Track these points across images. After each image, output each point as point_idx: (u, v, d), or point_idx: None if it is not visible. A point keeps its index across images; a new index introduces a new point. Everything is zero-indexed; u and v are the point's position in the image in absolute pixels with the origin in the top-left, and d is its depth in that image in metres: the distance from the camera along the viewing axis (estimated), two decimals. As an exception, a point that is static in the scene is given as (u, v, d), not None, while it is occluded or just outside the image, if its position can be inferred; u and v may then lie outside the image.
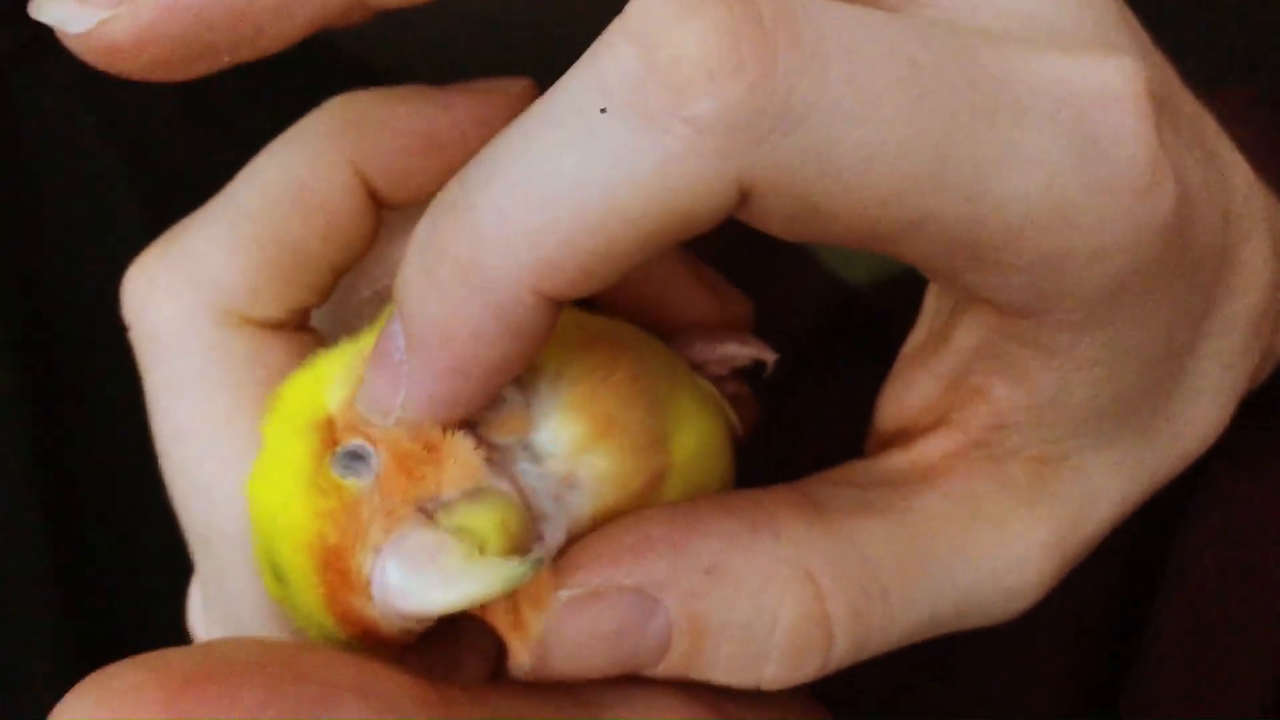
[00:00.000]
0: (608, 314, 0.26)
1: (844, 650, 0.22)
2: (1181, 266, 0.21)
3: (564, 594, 0.21)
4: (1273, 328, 0.27)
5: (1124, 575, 0.34)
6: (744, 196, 0.18)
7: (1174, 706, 0.31)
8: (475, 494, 0.21)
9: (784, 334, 0.39)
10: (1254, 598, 0.32)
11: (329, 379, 0.22)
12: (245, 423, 0.22)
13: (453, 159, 0.23)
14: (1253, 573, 0.33)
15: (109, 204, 0.39)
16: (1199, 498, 0.34)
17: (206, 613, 0.24)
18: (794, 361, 0.38)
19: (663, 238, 0.18)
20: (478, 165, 0.19)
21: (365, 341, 0.22)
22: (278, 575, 0.22)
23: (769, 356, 0.26)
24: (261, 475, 0.22)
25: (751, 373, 0.27)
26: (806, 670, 0.22)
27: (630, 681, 0.23)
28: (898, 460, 0.24)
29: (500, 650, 0.25)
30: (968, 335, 0.22)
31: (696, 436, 0.24)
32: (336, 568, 0.21)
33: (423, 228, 0.19)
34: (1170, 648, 0.32)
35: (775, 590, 0.21)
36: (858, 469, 0.24)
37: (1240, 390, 0.25)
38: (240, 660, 0.19)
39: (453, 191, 0.19)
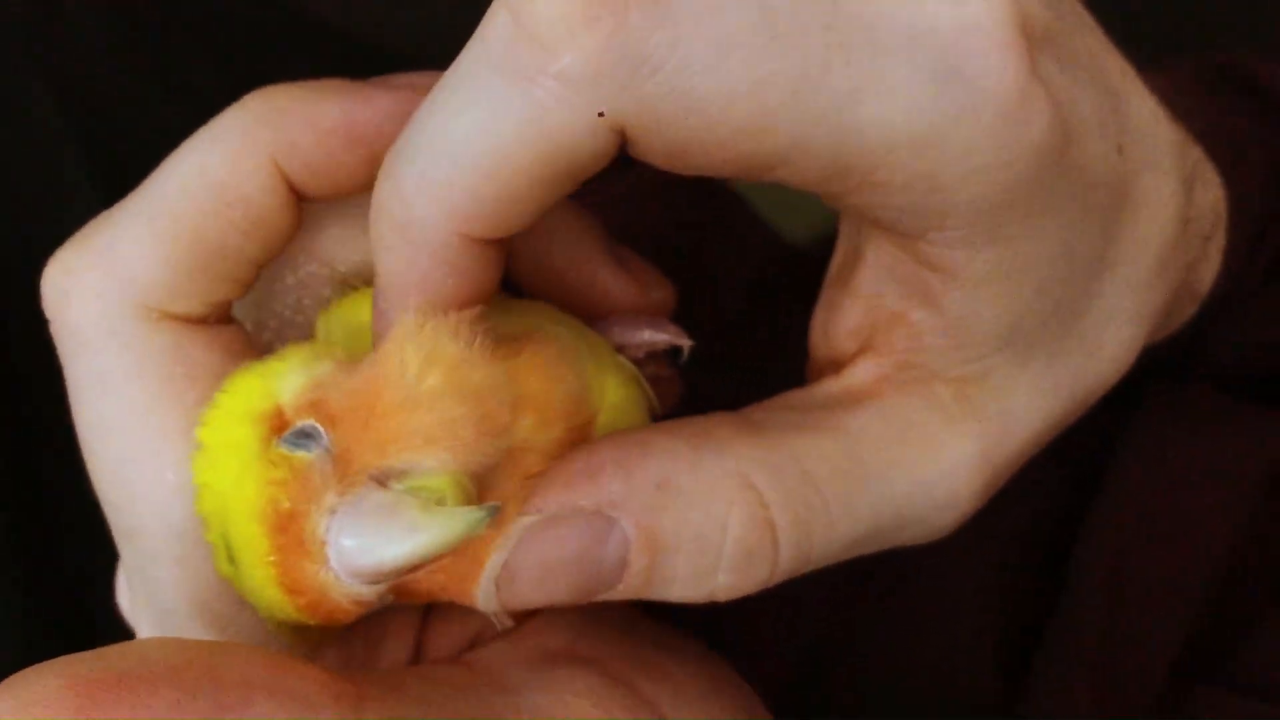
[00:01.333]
0: (534, 299, 0.26)
1: (790, 557, 0.23)
2: (1070, 188, 0.22)
3: (525, 521, 0.22)
4: (1186, 265, 0.27)
5: (1047, 525, 0.35)
6: (622, 137, 0.20)
7: (1092, 655, 0.32)
8: (423, 467, 0.21)
9: (726, 290, 0.39)
10: (1172, 549, 0.33)
11: (281, 374, 0.22)
12: (166, 417, 0.23)
13: (372, 153, 0.24)
14: (1171, 524, 0.33)
15: (59, 171, 0.39)
16: (1123, 450, 0.34)
17: (133, 602, 0.25)
18: (736, 316, 0.39)
19: (557, 179, 0.21)
20: (403, 134, 0.22)
21: (317, 345, 0.23)
22: (229, 554, 0.22)
23: (685, 342, 0.27)
24: (208, 463, 0.22)
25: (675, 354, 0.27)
26: (756, 577, 0.23)
27: (549, 664, 0.24)
28: (830, 386, 0.25)
29: (420, 636, 0.26)
30: (877, 253, 0.24)
31: (619, 411, 0.24)
32: (289, 533, 0.21)
33: (373, 195, 0.22)
34: (1090, 596, 0.33)
35: (722, 501, 0.22)
36: (794, 396, 0.25)
37: (1152, 318, 0.26)
38: (153, 662, 0.19)
39: (387, 160, 0.22)
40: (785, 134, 0.20)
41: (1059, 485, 0.36)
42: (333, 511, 0.21)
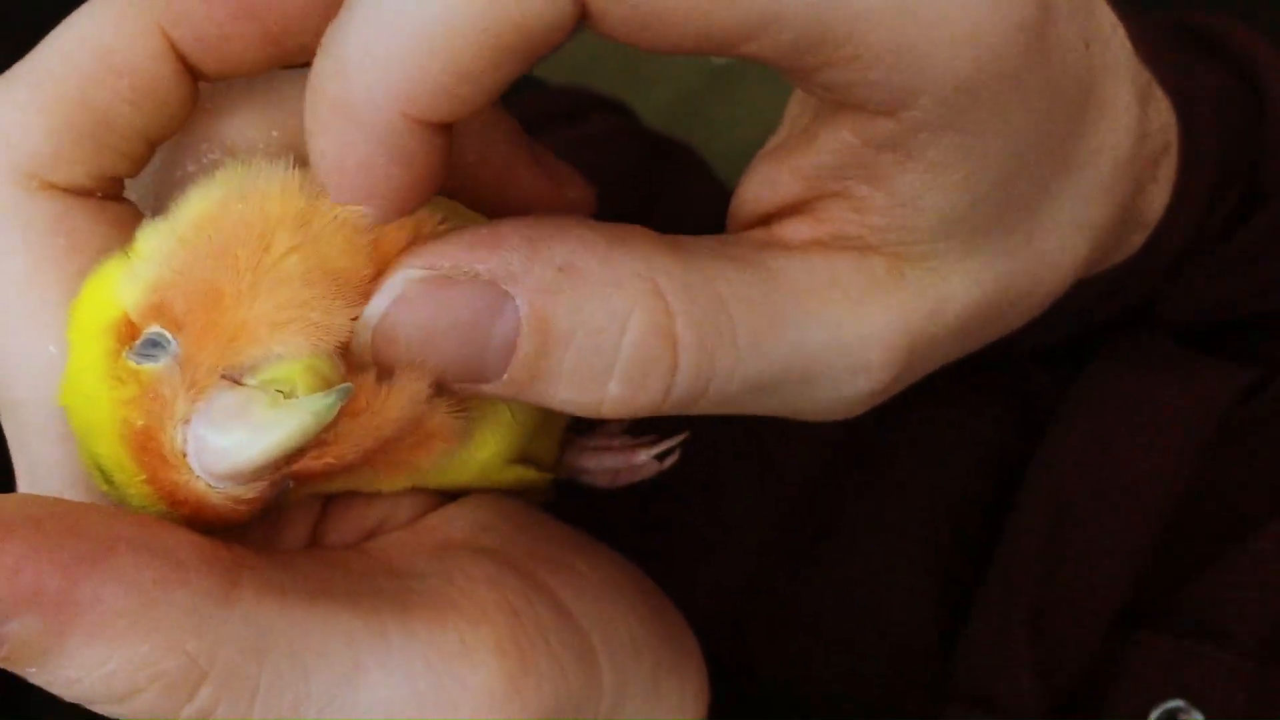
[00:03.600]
0: (442, 196, 0.26)
1: (688, 380, 0.21)
2: (1041, 78, 0.21)
3: (414, 273, 0.21)
4: (1136, 184, 0.27)
5: (995, 471, 0.34)
6: (583, 8, 0.19)
7: (1031, 601, 0.32)
8: (280, 355, 0.21)
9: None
10: (1117, 496, 0.33)
11: (116, 280, 0.21)
12: (46, 287, 0.22)
13: (269, 29, 0.23)
14: (1118, 470, 0.33)
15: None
16: (1072, 396, 0.34)
17: (17, 479, 0.24)
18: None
19: (510, 54, 0.19)
20: (344, 9, 0.20)
21: (152, 236, 0.22)
22: (104, 476, 0.21)
23: None
24: (70, 383, 0.21)
25: None
26: (649, 393, 0.21)
27: (447, 553, 0.23)
28: (760, 234, 0.23)
29: (318, 525, 0.25)
30: (832, 138, 0.22)
31: None
32: (150, 449, 0.20)
33: (310, 73, 0.20)
34: (1032, 541, 0.32)
35: (626, 299, 0.21)
36: (721, 235, 0.23)
37: (1099, 230, 0.25)
38: (9, 514, 0.19)
39: (327, 34, 0.20)
40: (760, 1, 0.19)
41: (1009, 431, 0.36)
42: (185, 421, 0.20)
